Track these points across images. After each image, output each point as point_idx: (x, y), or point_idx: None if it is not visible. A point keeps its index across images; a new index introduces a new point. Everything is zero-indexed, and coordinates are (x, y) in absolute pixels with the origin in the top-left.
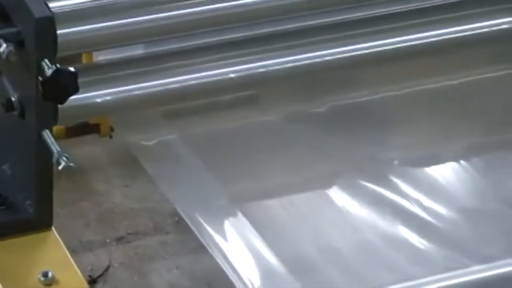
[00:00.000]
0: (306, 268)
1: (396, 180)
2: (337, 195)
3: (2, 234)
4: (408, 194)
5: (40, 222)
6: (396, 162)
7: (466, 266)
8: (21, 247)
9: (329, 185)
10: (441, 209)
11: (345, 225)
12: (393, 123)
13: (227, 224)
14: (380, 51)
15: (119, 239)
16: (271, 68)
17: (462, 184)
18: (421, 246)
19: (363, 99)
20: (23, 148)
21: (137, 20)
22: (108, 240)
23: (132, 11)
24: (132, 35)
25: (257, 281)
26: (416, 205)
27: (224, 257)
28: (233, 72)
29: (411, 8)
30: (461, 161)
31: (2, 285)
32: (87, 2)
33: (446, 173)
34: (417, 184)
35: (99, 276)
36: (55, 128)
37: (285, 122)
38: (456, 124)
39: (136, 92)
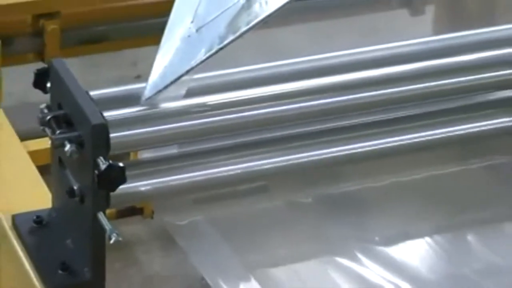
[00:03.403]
0: None
1: (375, 256)
2: (332, 266)
3: None
4: (384, 269)
5: (95, 284)
6: (376, 238)
7: None
8: None
9: (324, 258)
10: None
11: None
12: (374, 209)
13: (242, 287)
14: (365, 151)
15: None
16: (277, 164)
17: (427, 260)
18: None
19: (350, 188)
20: (82, 226)
21: (172, 127)
22: None
23: (169, 119)
24: (170, 138)
25: None
26: (388, 279)
27: None
28: (248, 167)
29: (397, 116)
30: (428, 241)
31: None
32: (133, 111)
33: (414, 251)
34: (391, 260)
35: None
36: (107, 210)
37: (287, 208)
38: (426, 210)
39: (172, 183)
